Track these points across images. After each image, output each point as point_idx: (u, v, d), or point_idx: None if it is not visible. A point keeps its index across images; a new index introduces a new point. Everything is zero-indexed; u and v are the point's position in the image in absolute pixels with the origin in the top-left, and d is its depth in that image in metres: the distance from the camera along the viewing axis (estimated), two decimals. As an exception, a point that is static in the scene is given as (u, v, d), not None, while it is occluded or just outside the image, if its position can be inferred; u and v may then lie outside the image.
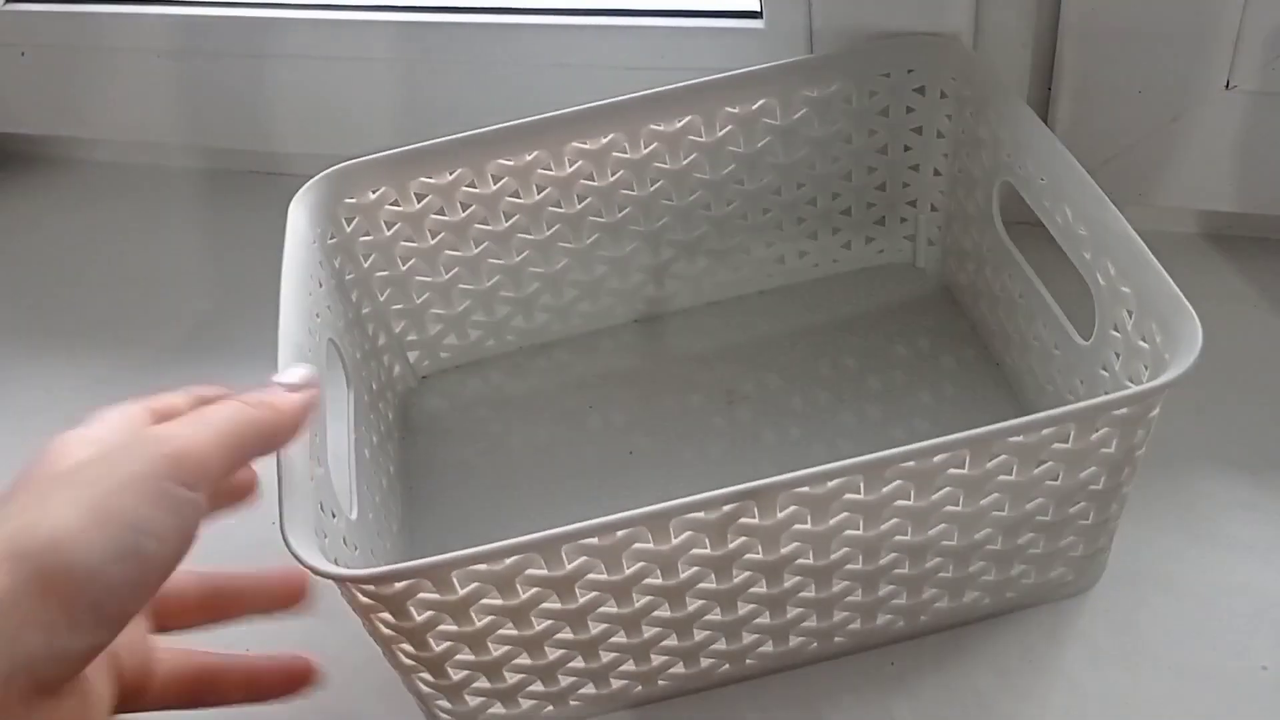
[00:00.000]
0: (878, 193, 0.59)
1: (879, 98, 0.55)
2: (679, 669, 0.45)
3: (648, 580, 0.40)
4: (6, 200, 0.77)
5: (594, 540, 0.38)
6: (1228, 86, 0.53)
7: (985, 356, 0.56)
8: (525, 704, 0.45)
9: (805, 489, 0.38)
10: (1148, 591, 0.47)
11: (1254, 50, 0.52)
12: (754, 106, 0.54)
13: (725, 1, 0.59)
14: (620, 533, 0.38)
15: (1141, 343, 0.42)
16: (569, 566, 0.39)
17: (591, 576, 0.39)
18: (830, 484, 0.38)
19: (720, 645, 0.44)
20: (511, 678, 0.43)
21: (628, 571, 0.40)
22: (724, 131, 0.55)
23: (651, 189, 0.56)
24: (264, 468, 0.40)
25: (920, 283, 0.61)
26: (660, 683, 0.45)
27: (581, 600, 0.40)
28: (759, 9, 0.57)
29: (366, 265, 0.55)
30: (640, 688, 0.45)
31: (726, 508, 0.38)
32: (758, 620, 0.43)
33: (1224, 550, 0.48)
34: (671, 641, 0.43)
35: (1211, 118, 0.54)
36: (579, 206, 0.56)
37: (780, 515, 0.39)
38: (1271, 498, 0.50)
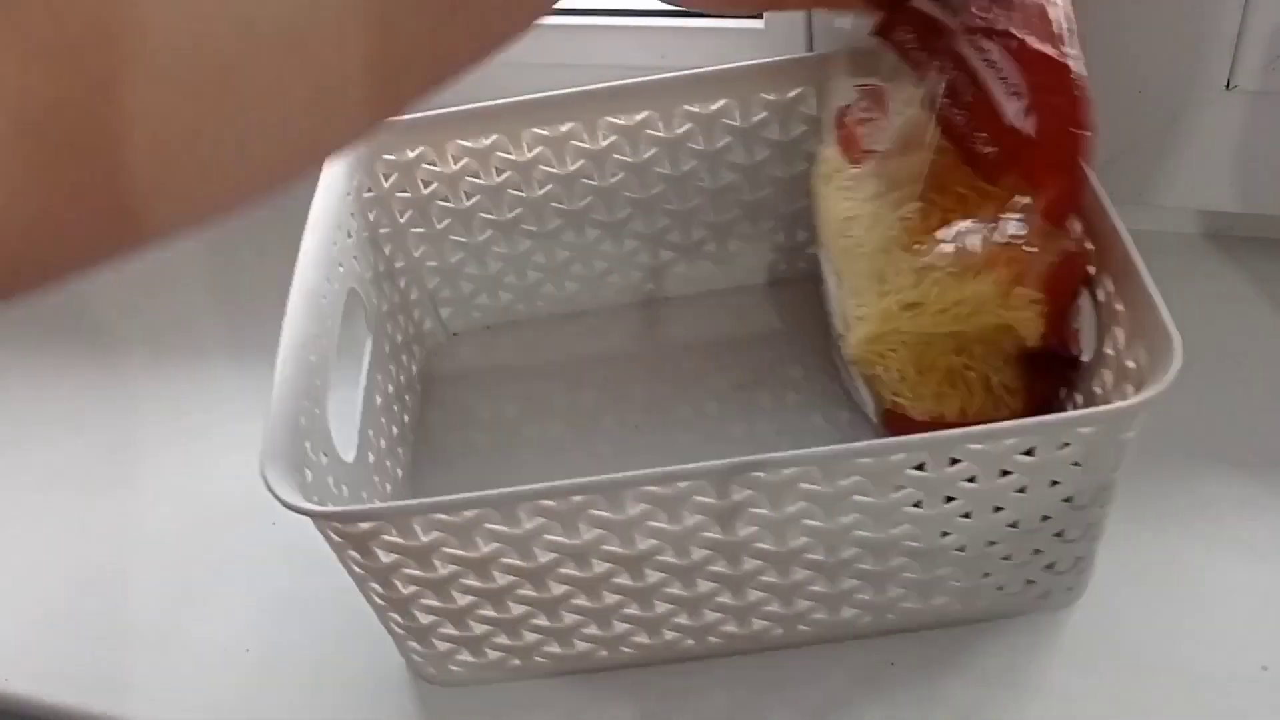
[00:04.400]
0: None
1: (916, 95, 0.55)
2: (642, 638, 0.46)
3: (606, 547, 0.41)
4: (6, 201, 0.77)
5: (550, 503, 0.39)
6: (1228, 86, 0.52)
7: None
8: (492, 655, 0.46)
9: (759, 474, 0.39)
10: (1148, 594, 0.47)
11: (1254, 50, 0.51)
12: (790, 95, 0.55)
13: (724, 1, 0.59)
14: (576, 498, 0.39)
15: (1130, 364, 0.42)
16: (526, 526, 0.40)
17: (549, 537, 0.41)
18: (785, 472, 0.39)
19: (682, 619, 0.45)
20: (477, 628, 0.45)
21: (585, 537, 0.41)
22: (758, 119, 0.55)
23: (685, 170, 0.57)
24: (259, 406, 0.43)
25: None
26: (624, 650, 0.46)
27: (541, 560, 0.42)
28: (758, 9, 0.57)
29: (402, 221, 0.57)
30: (604, 653, 0.46)
31: (682, 484, 0.39)
32: (719, 599, 0.44)
33: (1225, 549, 0.48)
34: (633, 610, 0.44)
35: (1211, 118, 0.54)
36: (611, 181, 0.57)
37: (736, 498, 0.40)
38: (1273, 496, 0.49)
